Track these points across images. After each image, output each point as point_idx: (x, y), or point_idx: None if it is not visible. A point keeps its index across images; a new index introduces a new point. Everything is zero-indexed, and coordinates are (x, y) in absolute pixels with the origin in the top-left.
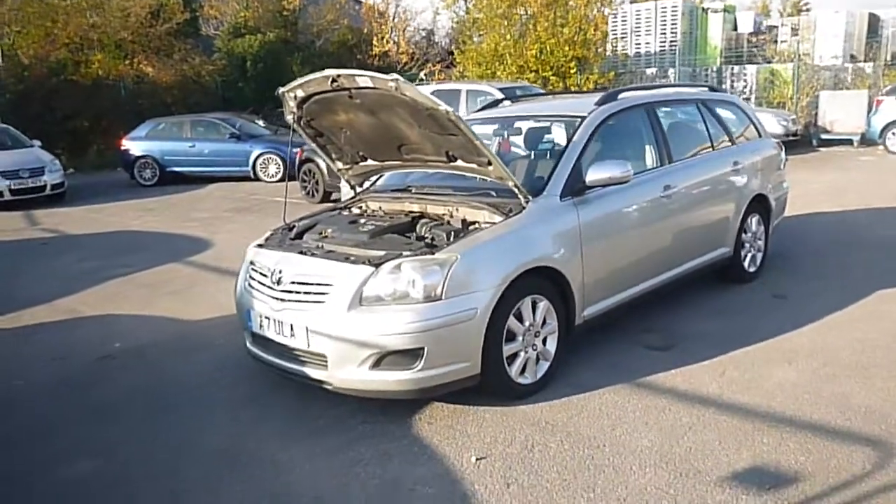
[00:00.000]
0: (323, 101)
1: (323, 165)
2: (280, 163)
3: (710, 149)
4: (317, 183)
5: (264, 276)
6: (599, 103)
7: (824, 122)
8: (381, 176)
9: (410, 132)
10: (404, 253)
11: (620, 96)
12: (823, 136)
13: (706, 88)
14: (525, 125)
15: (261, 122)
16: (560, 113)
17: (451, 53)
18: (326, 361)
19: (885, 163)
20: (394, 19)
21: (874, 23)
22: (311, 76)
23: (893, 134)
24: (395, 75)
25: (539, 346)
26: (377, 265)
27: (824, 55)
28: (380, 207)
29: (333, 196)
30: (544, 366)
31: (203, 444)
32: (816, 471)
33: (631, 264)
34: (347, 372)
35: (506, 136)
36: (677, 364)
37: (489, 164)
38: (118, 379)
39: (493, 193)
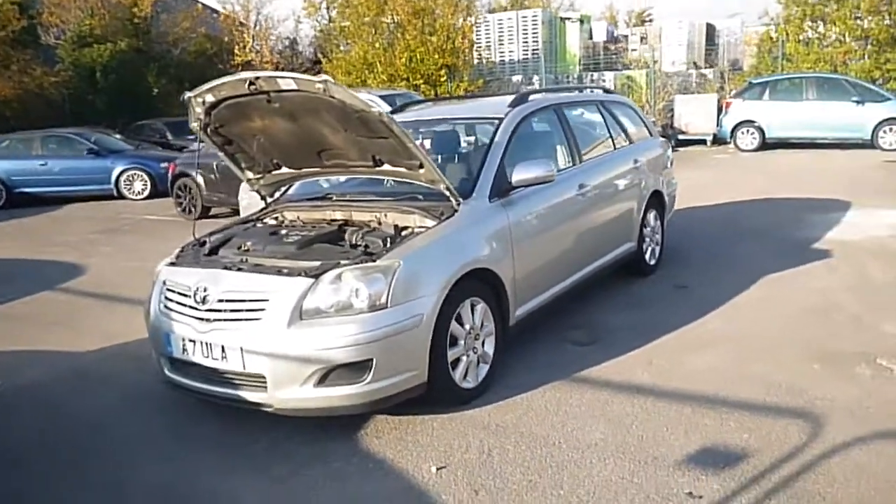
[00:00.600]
0: (236, 105)
1: (200, 179)
2: (147, 179)
3: (612, 148)
4: (193, 198)
5: (184, 295)
6: (512, 105)
7: (680, 124)
8: (292, 185)
9: (334, 137)
10: (342, 262)
11: (531, 98)
12: (680, 137)
13: (601, 91)
14: (436, 128)
15: (118, 137)
16: (476, 115)
17: (318, 62)
18: (265, 382)
19: (737, 160)
20: (255, 27)
21: (711, 32)
22: (225, 79)
23: (742, 133)
24: (323, 76)
25: (479, 350)
26: (315, 276)
27: (672, 62)
28: (297, 217)
29: (213, 211)
30: (484, 369)
31: (137, 484)
32: (762, 446)
33: (555, 262)
34: (290, 392)
35: (420, 139)
36: (606, 357)
37: (420, 166)
38: (11, 421)
39: (421, 197)
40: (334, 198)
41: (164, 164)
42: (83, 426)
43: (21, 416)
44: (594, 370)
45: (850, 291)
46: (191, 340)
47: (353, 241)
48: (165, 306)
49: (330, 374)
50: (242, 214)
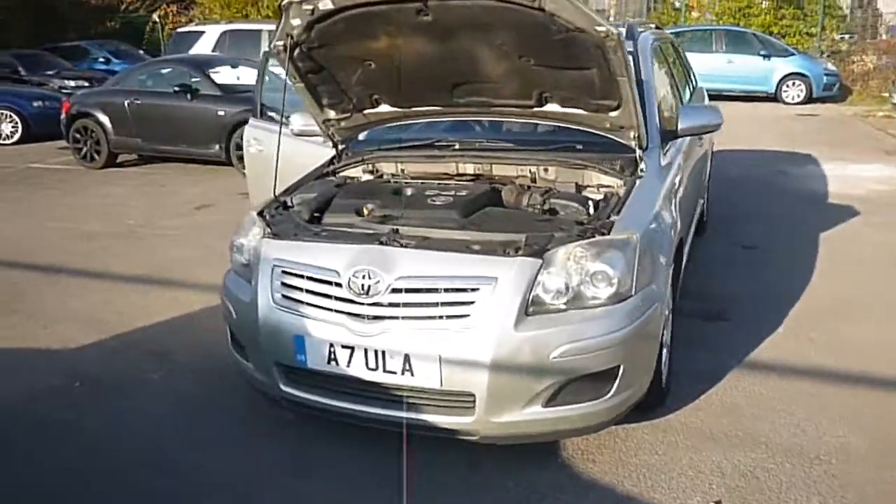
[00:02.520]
0: (362, 17)
1: (105, 119)
2: (17, 120)
3: (691, 90)
4: (97, 143)
5: (327, 283)
6: (627, 36)
7: None
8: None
9: (494, 65)
10: (555, 234)
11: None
12: None
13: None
14: None
15: None
16: None
17: None
18: (473, 403)
19: None
20: None
21: None
22: None
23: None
24: None
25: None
26: (539, 254)
27: None
28: (402, 171)
29: (121, 158)
30: (665, 359)
31: None
32: None
33: (683, 224)
34: (508, 414)
35: None
36: (755, 335)
37: (617, 107)
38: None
39: (579, 147)
40: (458, 146)
41: (37, 103)
42: (164, 468)
43: (55, 454)
44: (760, 352)
45: None
46: (345, 347)
47: (531, 205)
48: (285, 297)
49: (565, 387)
50: (249, 163)
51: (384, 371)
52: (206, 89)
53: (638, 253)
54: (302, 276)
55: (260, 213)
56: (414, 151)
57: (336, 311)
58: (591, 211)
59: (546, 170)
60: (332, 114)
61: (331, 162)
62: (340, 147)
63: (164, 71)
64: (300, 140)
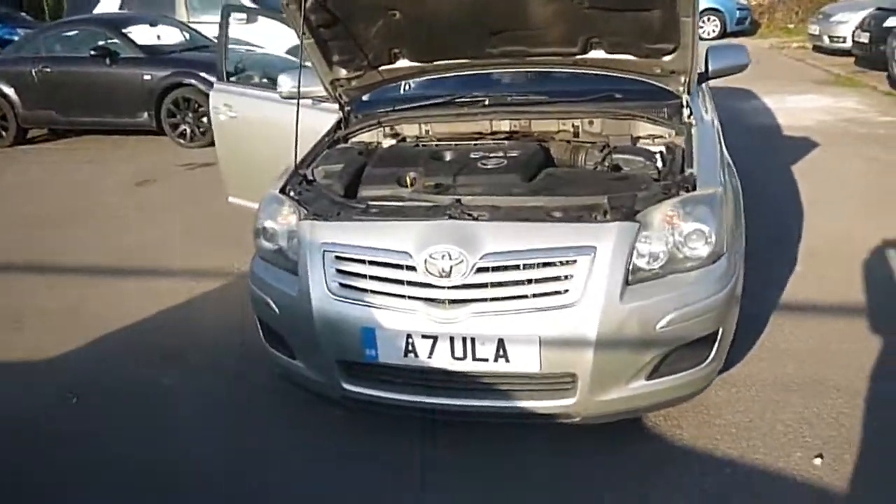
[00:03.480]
0: None
1: (10, 91)
2: None
3: None
4: (2, 118)
5: (397, 267)
6: None
7: None
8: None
9: (541, 8)
10: (638, 194)
11: None
12: None
13: None
14: None
15: None
16: None
17: None
18: (574, 384)
19: None
20: None
21: None
22: None
23: None
24: None
25: None
26: (633, 217)
27: None
28: (427, 132)
29: (31, 133)
30: None
31: None
32: None
33: None
34: (612, 391)
35: None
36: (779, 277)
37: (673, 51)
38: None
39: (618, 96)
40: (489, 101)
41: None
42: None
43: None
44: (792, 294)
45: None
46: (426, 336)
47: (589, 162)
48: (344, 285)
49: (668, 357)
50: (219, 133)
51: (474, 359)
52: (127, 52)
53: (723, 209)
54: (364, 262)
55: (282, 191)
56: (438, 110)
57: (411, 297)
58: (660, 165)
59: (591, 122)
60: (342, 72)
61: (338, 126)
62: (347, 109)
63: (73, 33)
64: (284, 104)
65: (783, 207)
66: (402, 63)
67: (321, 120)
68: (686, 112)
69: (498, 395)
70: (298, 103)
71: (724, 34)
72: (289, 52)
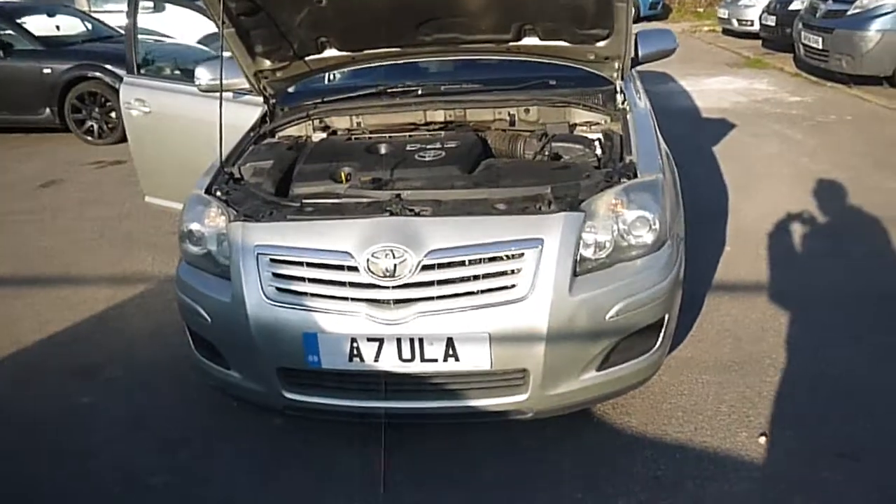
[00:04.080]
0: None
1: None
2: None
3: None
4: None
5: (338, 268)
6: None
7: None
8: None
9: None
10: (580, 183)
11: None
12: None
13: None
14: None
15: None
16: None
17: None
18: (525, 379)
19: None
20: None
21: None
22: None
23: None
24: None
25: None
26: (577, 207)
27: None
28: (358, 125)
29: None
30: None
31: None
32: None
33: None
34: (564, 384)
35: None
36: (710, 257)
37: (607, 36)
38: None
39: (552, 83)
40: (422, 91)
41: None
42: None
43: None
44: (723, 274)
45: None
46: (371, 339)
47: (528, 151)
48: (281, 289)
49: (618, 346)
50: (132, 129)
51: (422, 360)
52: (23, 44)
53: (665, 195)
54: (301, 264)
55: (208, 191)
56: (369, 101)
57: (354, 299)
58: (599, 152)
59: (527, 111)
60: (266, 63)
61: (263, 120)
62: (272, 102)
63: None
64: (202, 97)
65: (708, 188)
66: (330, 52)
67: (243, 114)
68: (620, 98)
69: (448, 396)
70: (221, 96)
71: (637, 19)
72: (200, 41)
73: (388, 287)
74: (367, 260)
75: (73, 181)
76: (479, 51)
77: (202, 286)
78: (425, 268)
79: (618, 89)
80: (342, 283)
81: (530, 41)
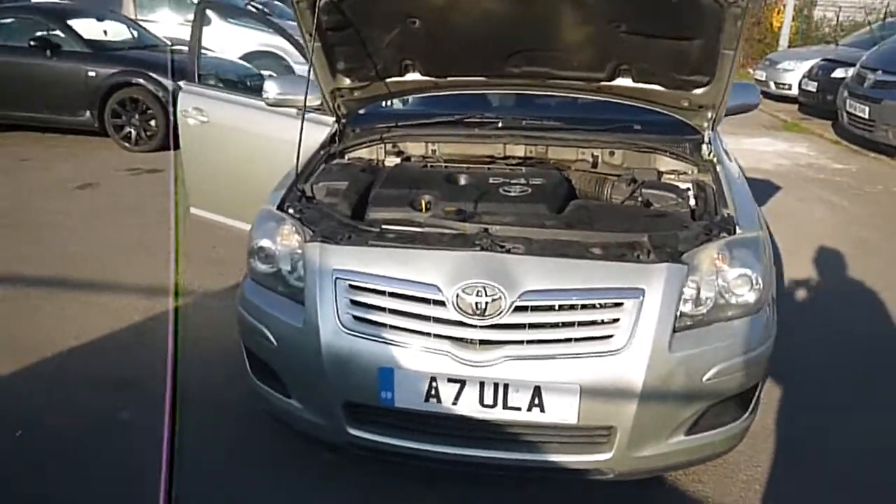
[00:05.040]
0: None
1: None
2: None
3: None
4: None
5: (423, 301)
6: None
7: None
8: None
9: (574, 29)
10: (678, 234)
11: None
12: None
13: None
14: None
15: None
16: None
17: None
18: (612, 438)
19: None
20: None
21: None
22: None
23: None
24: None
25: None
26: (676, 259)
27: None
28: (433, 152)
29: None
30: None
31: None
32: None
33: None
34: (650, 447)
35: None
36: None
37: (707, 83)
38: None
39: (637, 127)
40: (502, 124)
41: None
42: None
43: None
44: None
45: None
46: (452, 380)
47: (615, 195)
48: (358, 318)
49: (709, 411)
50: (186, 138)
51: (505, 407)
52: (71, 45)
53: (766, 252)
54: (383, 293)
55: (280, 207)
56: (447, 129)
57: (437, 335)
58: (692, 203)
59: (612, 153)
60: (346, 81)
61: (332, 140)
62: (343, 122)
63: (10, 21)
64: (264, 111)
65: None
66: (412, 76)
67: (305, 132)
68: (706, 149)
69: (526, 448)
70: (304, 113)
71: None
72: (242, 58)
73: (475, 326)
74: (457, 295)
75: (108, 185)
76: (567, 88)
77: (270, 307)
78: (518, 309)
79: (706, 140)
80: (426, 318)
81: (623, 82)
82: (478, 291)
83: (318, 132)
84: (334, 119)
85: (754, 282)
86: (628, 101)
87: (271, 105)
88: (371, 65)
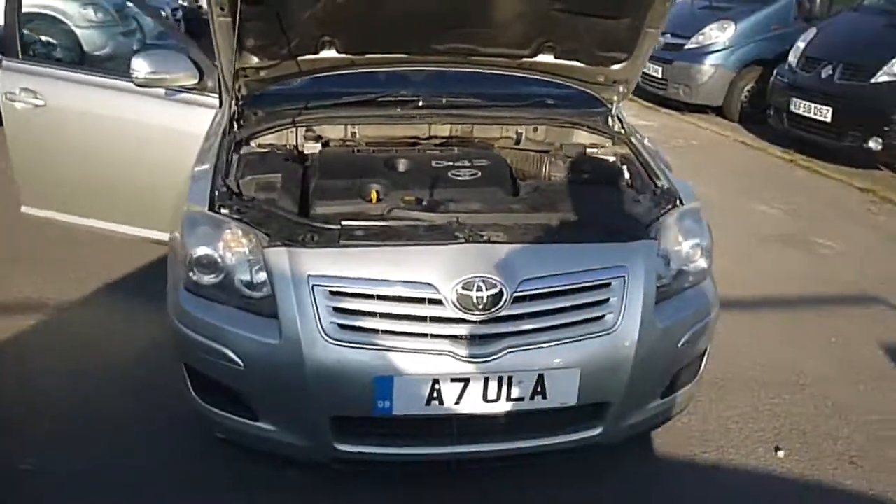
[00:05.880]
0: None
1: None
2: None
3: None
4: None
5: (418, 301)
6: None
7: None
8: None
9: (507, 6)
10: (639, 209)
11: None
12: None
13: None
14: None
15: None
16: None
17: None
18: (604, 413)
19: None
20: None
21: None
22: None
23: None
24: None
25: None
26: (647, 234)
27: None
28: (353, 135)
29: None
30: None
31: None
32: None
33: None
34: (634, 415)
35: None
36: None
37: (625, 59)
38: None
39: (550, 102)
40: (422, 103)
41: None
42: None
43: None
44: None
45: None
46: (455, 380)
47: (552, 173)
48: (344, 326)
49: (679, 374)
50: (12, 127)
51: (507, 399)
52: None
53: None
54: (371, 297)
55: (212, 208)
56: (368, 109)
57: (435, 335)
58: (627, 177)
59: (535, 129)
60: (253, 60)
61: (231, 124)
62: (240, 104)
63: None
64: (124, 93)
65: None
66: (327, 53)
67: (174, 114)
68: (617, 122)
69: (525, 435)
70: (222, 94)
71: None
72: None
73: (476, 321)
74: (456, 292)
75: None
76: (489, 64)
77: (229, 323)
78: (517, 299)
79: (613, 113)
80: (422, 319)
81: (544, 58)
82: (477, 286)
83: (192, 115)
84: (229, 101)
85: (705, 249)
86: (547, 76)
87: (140, 86)
88: (284, 41)
